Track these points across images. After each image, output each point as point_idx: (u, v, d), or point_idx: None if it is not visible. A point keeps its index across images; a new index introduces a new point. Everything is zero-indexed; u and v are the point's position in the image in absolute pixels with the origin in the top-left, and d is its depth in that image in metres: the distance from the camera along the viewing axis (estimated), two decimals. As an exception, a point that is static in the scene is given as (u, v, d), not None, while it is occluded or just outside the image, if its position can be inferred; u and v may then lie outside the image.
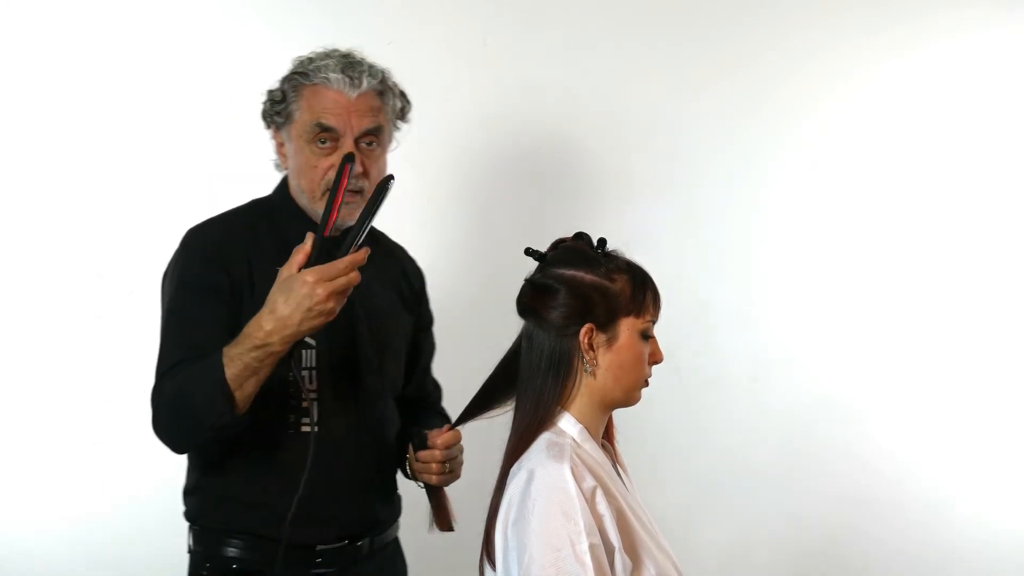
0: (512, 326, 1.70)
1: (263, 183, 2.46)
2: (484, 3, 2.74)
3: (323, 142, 1.86)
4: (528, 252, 1.68)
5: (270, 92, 1.92)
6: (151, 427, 1.81)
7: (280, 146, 1.94)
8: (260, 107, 1.94)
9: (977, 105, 2.80)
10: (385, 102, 1.91)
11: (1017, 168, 2.80)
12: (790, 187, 2.79)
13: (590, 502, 1.52)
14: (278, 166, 1.98)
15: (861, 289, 2.78)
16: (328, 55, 1.90)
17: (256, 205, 1.97)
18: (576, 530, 1.48)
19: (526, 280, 1.68)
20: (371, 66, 1.90)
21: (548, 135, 2.74)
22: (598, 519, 1.52)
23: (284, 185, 1.97)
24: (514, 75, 2.73)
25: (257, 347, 1.67)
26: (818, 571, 2.77)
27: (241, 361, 1.69)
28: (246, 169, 2.55)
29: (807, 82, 2.79)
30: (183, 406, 1.74)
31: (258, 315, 1.68)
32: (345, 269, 1.65)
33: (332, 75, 1.86)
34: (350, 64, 1.88)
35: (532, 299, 1.65)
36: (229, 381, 1.69)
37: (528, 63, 2.73)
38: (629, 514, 1.58)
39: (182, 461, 2.49)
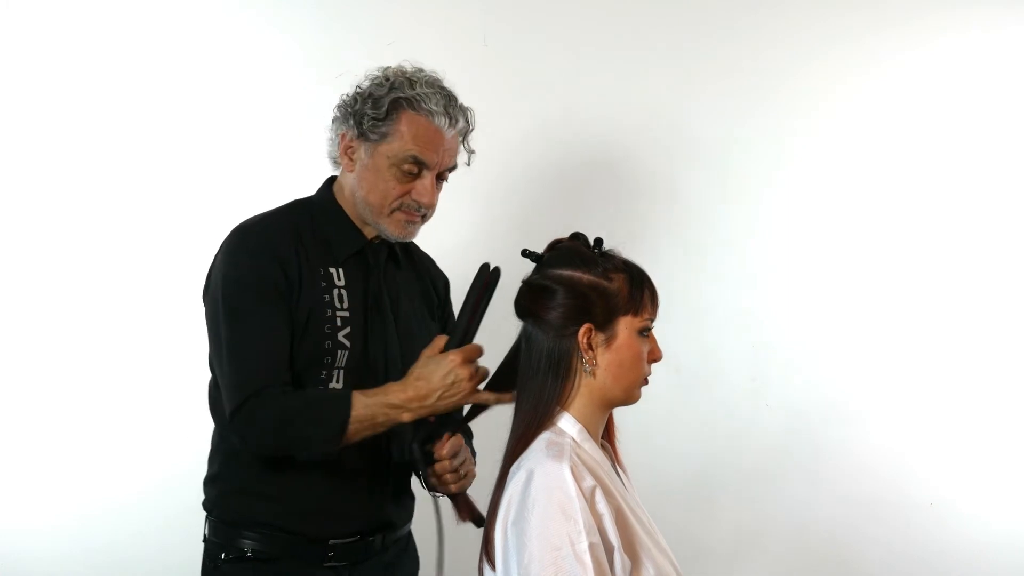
0: (513, 327, 1.70)
1: (263, 182, 2.49)
2: (484, 3, 2.74)
3: (412, 172, 1.90)
4: (525, 253, 1.69)
5: (372, 99, 1.90)
6: (239, 436, 1.82)
7: (349, 148, 1.94)
8: (347, 103, 1.93)
9: (977, 105, 2.79)
10: (464, 142, 1.98)
11: (1017, 169, 2.80)
12: (791, 187, 2.79)
13: (589, 501, 1.52)
14: (336, 163, 1.98)
15: (861, 289, 2.78)
16: (430, 84, 1.92)
17: (297, 207, 1.99)
18: (576, 529, 1.48)
19: (523, 281, 1.68)
20: (463, 107, 1.96)
21: (548, 135, 2.74)
22: (597, 518, 1.52)
23: (329, 188, 2.00)
24: (514, 75, 2.73)
25: (392, 406, 1.77)
26: (817, 571, 2.77)
27: (369, 411, 1.77)
28: (246, 168, 2.57)
29: (807, 82, 2.79)
30: (293, 433, 1.79)
31: (403, 380, 1.79)
32: (480, 351, 1.80)
33: (435, 108, 1.89)
34: (451, 101, 1.93)
35: (530, 300, 1.65)
36: (351, 424, 1.77)
37: (528, 63, 2.73)
38: (628, 513, 1.58)
39: (182, 462, 2.51)
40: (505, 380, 1.74)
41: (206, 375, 1.96)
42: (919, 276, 2.78)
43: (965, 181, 2.79)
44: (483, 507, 1.64)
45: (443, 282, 2.15)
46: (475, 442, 2.02)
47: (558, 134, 2.74)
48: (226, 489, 1.93)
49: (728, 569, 2.74)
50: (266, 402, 1.80)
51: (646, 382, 1.67)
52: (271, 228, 1.92)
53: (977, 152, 2.79)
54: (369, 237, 1.97)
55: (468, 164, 2.01)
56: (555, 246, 1.69)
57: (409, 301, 2.03)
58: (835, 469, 2.75)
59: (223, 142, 2.59)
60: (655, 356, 1.67)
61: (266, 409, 1.80)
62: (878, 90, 2.79)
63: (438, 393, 1.77)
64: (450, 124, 1.91)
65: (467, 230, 2.68)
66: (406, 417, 1.78)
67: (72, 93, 2.57)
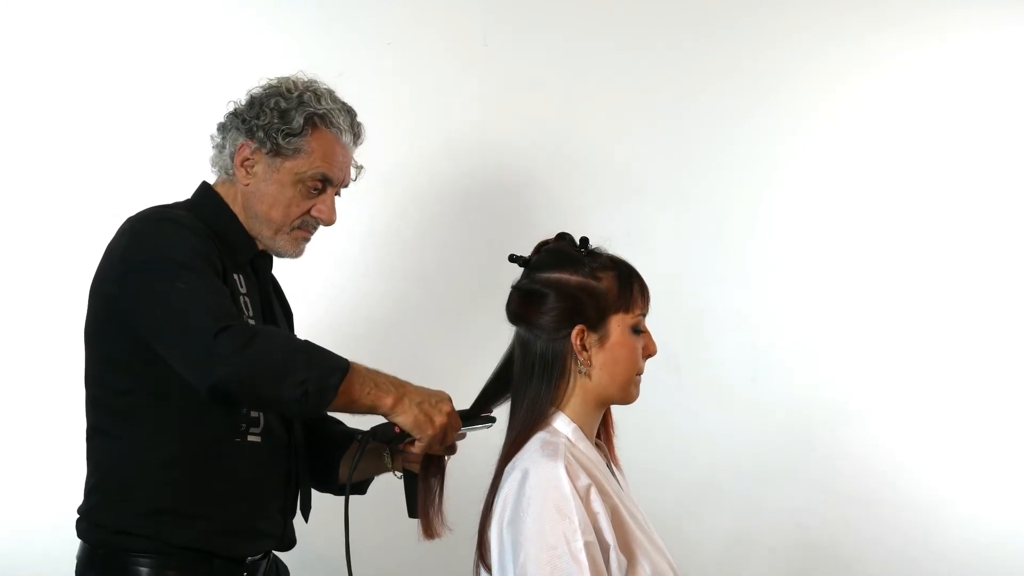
0: (506, 334, 1.70)
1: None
2: (484, 3, 2.74)
3: (316, 189, 1.84)
4: (512, 258, 1.68)
5: (279, 112, 1.82)
6: (222, 351, 1.58)
7: (247, 161, 1.84)
8: (243, 112, 1.86)
9: (977, 106, 2.79)
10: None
11: (1017, 169, 2.79)
12: (789, 188, 2.79)
13: (585, 500, 1.52)
14: (226, 172, 1.87)
15: (861, 290, 2.78)
16: (333, 99, 1.86)
17: (192, 212, 1.83)
18: (571, 528, 1.48)
19: (513, 287, 1.68)
20: (360, 122, 1.91)
21: (547, 135, 2.74)
22: (593, 517, 1.52)
23: (214, 194, 1.88)
24: (514, 75, 2.73)
25: (385, 381, 1.66)
26: (817, 571, 2.77)
27: (368, 373, 1.65)
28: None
29: (808, 82, 2.79)
30: (294, 365, 1.60)
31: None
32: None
33: (343, 125, 1.85)
34: (353, 119, 1.88)
35: (520, 306, 1.65)
36: (352, 374, 1.63)
37: (528, 63, 2.74)
38: (623, 512, 1.58)
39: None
40: (495, 392, 1.74)
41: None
42: (919, 276, 2.78)
43: (965, 181, 2.79)
44: (478, 508, 1.63)
45: (287, 306, 2.07)
46: (470, 443, 2.00)
47: (557, 134, 2.74)
48: (132, 511, 1.76)
49: (726, 569, 2.73)
50: (263, 329, 1.68)
51: (640, 377, 1.67)
52: (193, 219, 1.78)
53: (977, 152, 2.79)
54: (259, 248, 1.89)
55: (355, 180, 1.93)
56: (541, 249, 1.69)
57: (281, 316, 1.98)
58: (835, 469, 2.75)
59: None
60: (649, 351, 1.66)
61: (265, 334, 1.66)
62: (878, 90, 2.79)
63: (421, 398, 1.67)
64: (354, 141, 1.88)
65: (466, 231, 2.68)
66: (388, 401, 1.65)
67: (71, 93, 2.57)
